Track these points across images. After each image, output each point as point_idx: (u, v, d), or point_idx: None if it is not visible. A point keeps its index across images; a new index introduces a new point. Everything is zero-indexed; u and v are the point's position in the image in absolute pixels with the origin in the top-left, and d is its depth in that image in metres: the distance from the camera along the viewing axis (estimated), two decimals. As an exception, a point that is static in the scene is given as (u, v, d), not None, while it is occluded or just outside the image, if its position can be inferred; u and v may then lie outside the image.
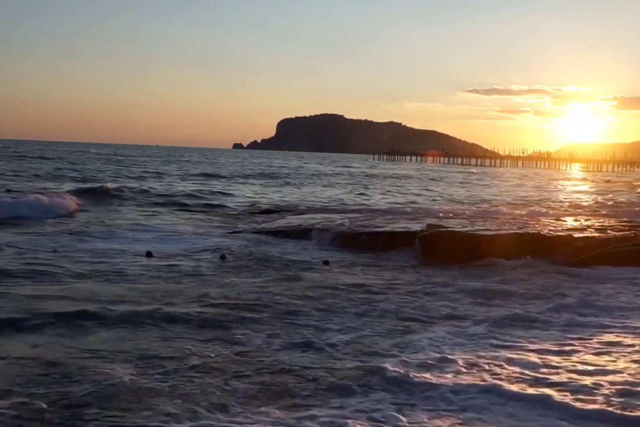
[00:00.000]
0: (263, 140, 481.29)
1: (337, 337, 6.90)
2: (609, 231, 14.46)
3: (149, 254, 11.78)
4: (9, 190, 22.20)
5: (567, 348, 6.78)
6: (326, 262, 11.83)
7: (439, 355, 6.30)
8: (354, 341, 6.83)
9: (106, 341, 6.64)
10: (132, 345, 6.48)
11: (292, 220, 17.18)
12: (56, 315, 7.39)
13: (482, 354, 6.39)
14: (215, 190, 30.15)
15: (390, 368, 5.74)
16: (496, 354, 6.44)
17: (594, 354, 6.58)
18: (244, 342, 6.69)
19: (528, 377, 5.78)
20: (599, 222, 16.62)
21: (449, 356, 6.28)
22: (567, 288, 10.21)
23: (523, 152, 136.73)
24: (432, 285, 10.15)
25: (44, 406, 4.87)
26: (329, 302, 8.59)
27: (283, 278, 10.27)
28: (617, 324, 7.83)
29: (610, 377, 5.79)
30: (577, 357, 6.48)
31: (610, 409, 5.05)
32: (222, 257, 11.77)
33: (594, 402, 5.21)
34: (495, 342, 6.93)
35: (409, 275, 11.15)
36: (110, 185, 25.78)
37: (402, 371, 5.68)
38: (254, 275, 10.50)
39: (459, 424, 4.80)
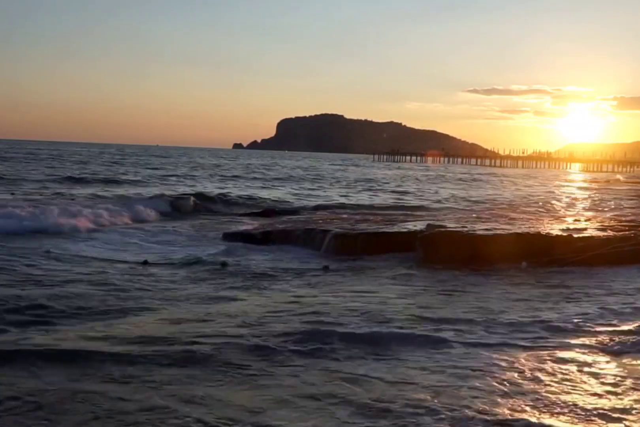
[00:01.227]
0: (263, 140, 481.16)
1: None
2: (609, 231, 14.45)
3: (145, 263, 11.62)
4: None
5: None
6: (326, 269, 11.65)
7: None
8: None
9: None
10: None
11: (294, 221, 17.17)
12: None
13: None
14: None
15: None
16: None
17: None
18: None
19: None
20: (599, 222, 16.62)
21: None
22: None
23: (523, 152, 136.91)
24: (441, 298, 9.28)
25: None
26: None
27: (282, 293, 9.49)
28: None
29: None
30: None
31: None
32: (223, 264, 11.41)
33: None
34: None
35: (411, 285, 10.37)
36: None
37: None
38: (246, 288, 9.73)
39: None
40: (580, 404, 5.20)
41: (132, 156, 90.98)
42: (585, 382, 5.72)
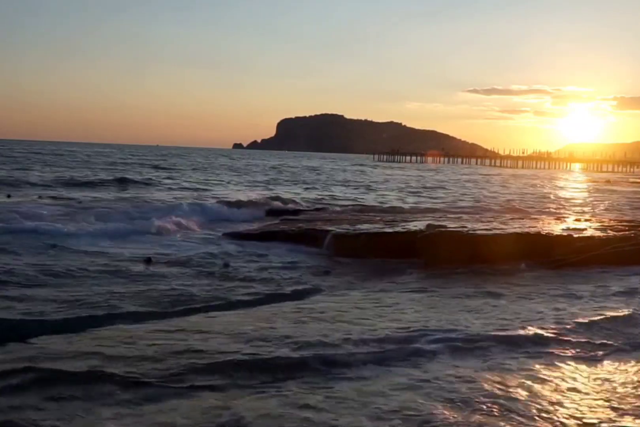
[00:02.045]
0: (263, 140, 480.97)
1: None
2: (609, 231, 14.49)
3: (148, 261, 11.55)
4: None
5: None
6: (327, 273, 11.60)
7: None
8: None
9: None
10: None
11: (295, 221, 17.19)
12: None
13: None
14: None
15: None
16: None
17: None
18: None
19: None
20: (599, 222, 16.66)
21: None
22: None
23: (523, 152, 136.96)
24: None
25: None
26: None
27: (277, 298, 9.19)
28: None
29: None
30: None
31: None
32: (225, 265, 11.32)
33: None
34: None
35: (410, 287, 10.24)
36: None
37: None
38: (242, 291, 9.48)
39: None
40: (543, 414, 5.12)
41: (148, 156, 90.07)
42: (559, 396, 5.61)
